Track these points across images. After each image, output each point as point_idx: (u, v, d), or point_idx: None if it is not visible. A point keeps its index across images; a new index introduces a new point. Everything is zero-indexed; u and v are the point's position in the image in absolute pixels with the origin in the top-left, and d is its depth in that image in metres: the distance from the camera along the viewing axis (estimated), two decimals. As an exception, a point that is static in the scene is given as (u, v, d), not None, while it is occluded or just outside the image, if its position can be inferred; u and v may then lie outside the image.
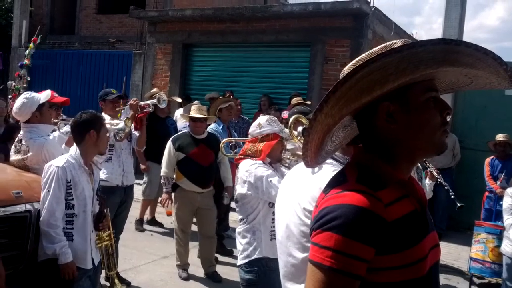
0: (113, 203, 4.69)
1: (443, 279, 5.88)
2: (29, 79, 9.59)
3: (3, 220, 3.03)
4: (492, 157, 7.12)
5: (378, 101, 1.26)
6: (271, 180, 3.12)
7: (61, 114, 4.59)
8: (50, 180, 3.11)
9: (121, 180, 4.96)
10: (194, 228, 5.63)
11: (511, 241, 4.76)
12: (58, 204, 3.09)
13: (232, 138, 5.77)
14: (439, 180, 4.42)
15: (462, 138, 8.12)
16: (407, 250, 1.23)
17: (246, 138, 3.55)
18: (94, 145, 3.32)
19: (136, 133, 5.13)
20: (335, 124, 1.29)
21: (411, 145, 1.30)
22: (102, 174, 4.60)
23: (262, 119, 3.40)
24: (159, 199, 6.06)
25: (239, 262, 3.25)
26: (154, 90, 7.92)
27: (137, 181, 5.95)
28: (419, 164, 4.20)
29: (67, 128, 4.14)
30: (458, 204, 4.53)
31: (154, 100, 5.11)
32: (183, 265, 5.41)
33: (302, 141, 2.93)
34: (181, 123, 7.56)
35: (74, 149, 3.41)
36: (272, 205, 3.08)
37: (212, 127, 6.14)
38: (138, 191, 6.60)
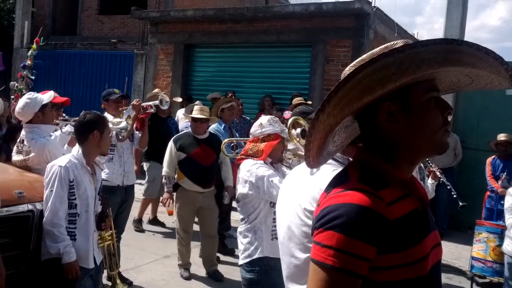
0: (114, 203, 4.70)
1: (444, 278, 5.88)
2: (33, 78, 9.60)
3: (5, 220, 3.05)
4: (493, 156, 7.12)
5: (380, 101, 1.27)
6: (272, 180, 3.13)
7: (63, 114, 4.60)
8: (52, 179, 3.12)
9: (122, 180, 4.97)
10: (196, 228, 5.64)
11: (512, 241, 4.75)
12: (61, 204, 3.10)
13: (233, 138, 5.78)
14: (441, 179, 4.42)
15: (463, 138, 8.12)
16: (409, 249, 1.23)
17: (248, 138, 3.56)
18: (96, 146, 3.33)
19: (138, 134, 5.14)
20: (337, 124, 1.30)
21: (412, 145, 1.30)
22: (103, 174, 4.61)
23: (264, 119, 3.41)
24: (161, 198, 6.07)
25: (241, 261, 3.25)
26: (156, 90, 7.93)
27: (138, 180, 5.97)
28: (421, 164, 4.20)
29: (69, 128, 4.15)
30: (461, 204, 4.52)
31: (157, 102, 5.11)
32: (185, 265, 5.42)
33: (301, 142, 2.94)
34: (183, 123, 7.58)
35: (76, 149, 3.42)
36: (273, 205, 3.09)
37: (213, 127, 6.15)
38: (139, 191, 6.61)
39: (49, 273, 3.13)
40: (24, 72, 9.58)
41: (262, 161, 3.26)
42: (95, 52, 13.04)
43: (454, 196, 4.59)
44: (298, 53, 9.56)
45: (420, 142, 1.30)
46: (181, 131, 6.31)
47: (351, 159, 1.70)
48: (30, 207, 3.22)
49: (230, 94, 8.37)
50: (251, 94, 9.61)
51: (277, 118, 3.55)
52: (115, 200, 4.80)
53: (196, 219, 5.59)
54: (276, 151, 3.32)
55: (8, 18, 16.49)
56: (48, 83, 11.27)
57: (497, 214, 6.72)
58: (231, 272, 5.46)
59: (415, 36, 13.77)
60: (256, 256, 3.17)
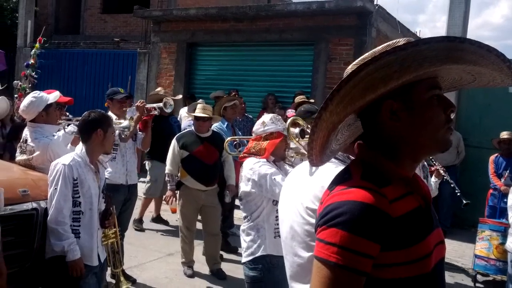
0: (117, 201, 4.71)
1: (447, 276, 5.88)
2: (36, 76, 9.62)
3: (10, 218, 3.06)
4: (496, 154, 7.11)
5: (382, 99, 1.27)
6: (275, 178, 3.13)
7: (67, 113, 4.62)
8: (57, 178, 3.13)
9: (125, 179, 4.99)
10: (199, 226, 5.66)
11: (515, 239, 4.75)
12: (65, 202, 3.12)
13: (236, 137, 5.79)
14: (445, 177, 4.42)
15: (466, 135, 8.10)
16: (412, 246, 1.24)
17: (250, 137, 3.57)
18: (100, 144, 3.34)
19: (141, 134, 5.16)
20: (340, 122, 1.30)
21: (414, 143, 1.31)
22: (106, 173, 4.63)
23: (266, 117, 3.42)
24: (164, 196, 6.09)
25: (244, 259, 3.26)
26: (159, 89, 7.94)
27: (140, 179, 5.97)
28: (425, 162, 4.19)
29: (72, 128, 4.17)
30: (464, 202, 4.52)
31: (161, 104, 5.12)
32: (188, 262, 5.44)
33: (300, 141, 2.95)
34: (186, 122, 7.58)
35: (80, 147, 3.43)
36: (276, 203, 3.09)
37: (216, 125, 6.15)
38: (140, 190, 6.61)
39: (54, 270, 3.15)
40: (28, 71, 9.60)
41: (264, 159, 3.27)
42: (98, 51, 13.06)
43: (458, 194, 4.58)
44: (300, 51, 9.55)
45: (423, 140, 1.30)
46: (184, 130, 6.32)
47: (352, 157, 1.71)
48: (34, 205, 3.24)
49: (233, 93, 8.36)
50: (254, 92, 9.61)
51: (280, 117, 3.56)
52: (118, 198, 4.81)
53: (199, 217, 5.61)
54: (279, 149, 3.33)
55: (12, 17, 16.55)
56: (51, 82, 11.32)
57: (500, 212, 6.71)
58: (234, 270, 5.47)
59: (418, 34, 13.74)
60: (259, 254, 3.17)
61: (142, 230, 6.95)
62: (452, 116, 1.32)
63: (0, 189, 2.64)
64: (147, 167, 7.13)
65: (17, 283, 3.10)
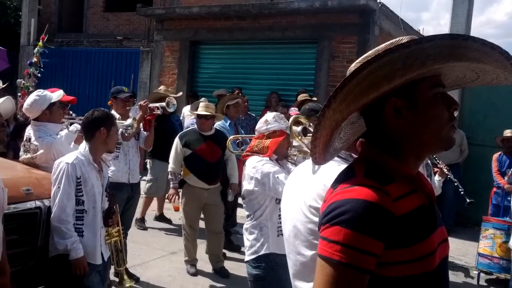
0: (120, 200, 4.72)
1: (451, 275, 5.83)
2: (39, 75, 9.64)
3: (13, 217, 3.06)
4: (499, 152, 7.09)
5: (386, 96, 1.27)
6: (278, 177, 3.13)
7: (70, 112, 4.63)
8: (60, 176, 3.14)
9: (127, 178, 4.99)
10: (202, 225, 5.66)
11: (519, 237, 4.74)
12: (68, 200, 3.12)
13: (239, 135, 5.79)
14: (449, 176, 4.41)
15: (469, 133, 8.08)
16: (416, 244, 1.23)
17: (253, 135, 3.57)
18: (103, 143, 3.35)
19: (145, 133, 5.16)
20: (343, 120, 1.30)
21: (418, 141, 1.30)
22: (108, 171, 4.63)
23: (269, 116, 3.42)
24: (166, 195, 6.09)
25: (247, 258, 3.26)
26: (162, 87, 7.95)
27: (143, 178, 5.97)
28: (428, 161, 4.19)
29: (75, 127, 4.18)
30: (468, 200, 4.51)
31: (163, 104, 5.12)
32: (191, 261, 5.44)
33: (303, 140, 2.94)
34: (189, 120, 7.58)
35: (83, 146, 3.44)
36: (279, 201, 3.09)
37: (219, 123, 6.16)
38: (141, 189, 6.61)
39: (57, 269, 3.15)
40: (31, 70, 9.62)
41: (267, 158, 3.27)
42: (101, 50, 13.08)
43: (462, 193, 4.57)
44: (303, 49, 9.54)
45: (426, 138, 1.30)
46: (187, 128, 6.32)
47: (354, 155, 1.71)
48: (37, 203, 3.25)
49: (236, 91, 8.36)
50: (257, 90, 9.61)
51: (283, 115, 3.56)
52: (121, 197, 4.82)
53: (202, 216, 5.61)
54: (282, 148, 3.33)
55: (15, 16, 16.57)
56: (55, 80, 11.33)
57: (504, 210, 6.71)
58: (238, 268, 5.48)
59: (421, 32, 13.70)
60: (262, 252, 3.17)
61: (145, 229, 6.96)
62: (456, 114, 1.32)
63: (4, 188, 2.65)
64: (148, 166, 7.12)
65: (21, 281, 3.12)
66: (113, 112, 4.78)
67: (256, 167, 3.21)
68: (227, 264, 5.56)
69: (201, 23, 10.40)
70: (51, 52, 11.31)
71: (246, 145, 4.62)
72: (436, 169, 4.37)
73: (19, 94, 9.18)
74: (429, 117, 1.28)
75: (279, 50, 9.72)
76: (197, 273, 5.38)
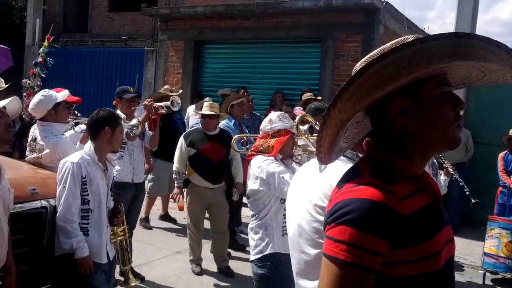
0: (125, 199, 4.73)
1: (456, 274, 5.81)
2: (43, 75, 9.68)
3: (19, 216, 3.08)
4: (505, 151, 7.06)
5: (391, 96, 1.27)
6: (283, 176, 3.13)
7: (75, 112, 4.64)
8: (65, 176, 3.15)
9: (132, 177, 5.00)
10: (207, 225, 5.67)
11: (525, 236, 4.72)
12: (74, 200, 3.13)
13: (243, 135, 5.79)
14: (454, 176, 4.40)
15: (475, 132, 8.05)
16: (421, 244, 1.23)
17: (258, 135, 3.56)
18: (108, 142, 3.36)
19: (150, 132, 5.17)
20: (349, 119, 1.29)
21: (424, 140, 1.30)
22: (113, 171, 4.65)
23: (273, 115, 3.41)
24: (171, 194, 6.10)
25: (252, 257, 3.26)
26: (166, 87, 7.96)
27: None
28: (434, 160, 4.18)
29: (80, 127, 4.19)
30: (473, 201, 4.50)
31: (168, 103, 5.13)
32: (196, 260, 5.45)
33: (309, 138, 2.94)
34: (193, 120, 7.58)
35: (88, 146, 3.45)
36: (283, 201, 3.08)
37: (223, 123, 6.16)
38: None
39: (63, 268, 3.16)
40: (36, 70, 9.66)
41: (272, 157, 3.27)
42: (105, 49, 13.11)
43: (467, 193, 4.56)
44: (308, 48, 9.54)
45: (432, 137, 1.29)
46: (192, 128, 6.32)
47: (361, 155, 1.70)
48: (43, 203, 3.26)
49: (242, 91, 8.36)
50: (261, 90, 9.61)
51: (287, 114, 3.55)
52: (126, 196, 4.83)
53: (207, 215, 5.62)
54: (286, 147, 3.32)
55: (20, 16, 16.65)
56: (60, 80, 11.37)
57: (510, 209, 6.68)
58: (243, 268, 5.48)
59: (426, 31, 13.67)
60: (267, 252, 3.18)
61: (150, 228, 6.97)
62: (461, 113, 1.31)
63: (10, 189, 2.66)
64: None
65: (26, 280, 3.13)
66: (118, 112, 4.79)
67: (261, 166, 3.21)
68: (232, 264, 5.56)
69: (206, 23, 10.41)
70: (56, 52, 11.36)
71: (251, 144, 4.62)
72: (440, 171, 4.37)
73: (24, 94, 9.22)
74: (435, 116, 1.27)
75: (283, 49, 9.72)
76: (202, 272, 5.39)
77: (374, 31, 8.58)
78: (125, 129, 4.57)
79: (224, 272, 5.40)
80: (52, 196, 3.29)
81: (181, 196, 5.45)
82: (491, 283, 5.90)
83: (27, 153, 4.04)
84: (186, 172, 5.42)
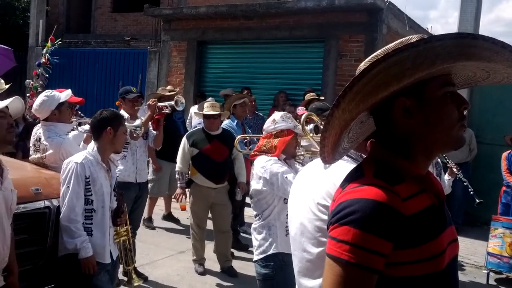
0: (129, 199, 4.74)
1: (460, 274, 5.81)
2: (47, 76, 9.69)
3: (23, 217, 3.08)
4: (509, 151, 7.04)
5: (395, 96, 1.26)
6: (286, 177, 3.13)
7: (79, 113, 4.65)
8: (69, 176, 3.16)
9: (135, 177, 5.01)
10: (210, 225, 5.67)
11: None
12: (77, 200, 3.14)
13: (246, 135, 5.79)
14: (458, 176, 4.39)
15: (478, 132, 8.04)
16: (425, 244, 1.23)
17: (261, 135, 3.57)
18: (110, 143, 3.36)
19: (154, 132, 5.18)
20: (352, 120, 1.29)
21: (428, 140, 1.30)
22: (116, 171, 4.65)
23: (277, 115, 3.42)
24: (174, 194, 6.10)
25: (255, 257, 3.27)
26: (169, 87, 7.96)
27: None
28: (438, 160, 4.17)
29: (84, 127, 4.20)
30: (477, 201, 4.49)
31: (172, 102, 5.13)
32: (199, 260, 5.46)
33: (314, 137, 2.94)
34: (197, 120, 7.58)
35: (92, 146, 3.46)
36: (287, 201, 3.08)
37: (226, 123, 6.16)
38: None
39: (66, 268, 3.17)
40: (39, 70, 9.67)
41: (276, 158, 3.27)
42: (108, 50, 13.13)
43: (471, 193, 4.55)
44: (310, 48, 9.53)
45: (436, 137, 1.29)
46: (195, 128, 6.33)
47: (364, 156, 1.70)
48: (47, 203, 3.27)
49: (245, 91, 8.35)
50: (264, 90, 9.61)
51: (290, 114, 3.55)
52: (129, 196, 4.84)
53: (210, 215, 5.62)
54: (290, 147, 3.32)
55: (23, 17, 16.68)
56: (63, 81, 11.39)
57: (513, 209, 6.65)
58: (246, 268, 5.49)
59: (429, 31, 13.65)
60: (270, 251, 3.18)
61: (153, 228, 6.97)
62: (465, 113, 1.31)
63: (13, 190, 2.67)
64: (150, 165, 7.10)
65: (30, 280, 3.13)
66: (122, 112, 4.80)
67: (264, 166, 3.22)
68: (235, 264, 5.56)
69: (208, 23, 10.42)
70: (59, 53, 11.38)
71: (254, 144, 4.62)
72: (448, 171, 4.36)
73: (27, 94, 9.23)
74: (439, 116, 1.27)
75: (286, 49, 9.71)
76: (205, 272, 5.39)
77: (377, 31, 8.57)
78: (128, 130, 4.58)
79: (227, 272, 5.40)
80: (55, 196, 3.29)
81: (183, 196, 5.46)
82: (494, 283, 5.88)
83: (31, 152, 4.05)
84: (189, 172, 5.43)
